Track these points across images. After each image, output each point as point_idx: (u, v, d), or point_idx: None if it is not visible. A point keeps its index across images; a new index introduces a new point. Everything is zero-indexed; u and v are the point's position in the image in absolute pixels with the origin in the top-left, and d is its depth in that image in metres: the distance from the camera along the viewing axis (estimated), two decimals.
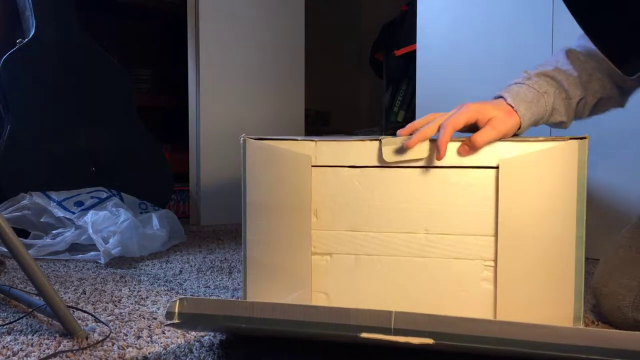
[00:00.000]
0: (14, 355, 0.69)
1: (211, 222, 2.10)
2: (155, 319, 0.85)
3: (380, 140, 0.80)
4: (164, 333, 0.78)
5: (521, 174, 0.77)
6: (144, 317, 0.86)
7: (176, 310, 0.61)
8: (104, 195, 1.64)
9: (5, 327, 0.81)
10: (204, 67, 2.07)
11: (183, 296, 0.75)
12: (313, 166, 0.83)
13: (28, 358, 0.68)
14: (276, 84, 2.28)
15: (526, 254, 0.78)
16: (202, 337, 0.76)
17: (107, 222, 1.42)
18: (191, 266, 1.30)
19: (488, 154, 0.78)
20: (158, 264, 1.33)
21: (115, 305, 0.92)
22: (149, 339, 0.75)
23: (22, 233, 1.48)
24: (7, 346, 0.72)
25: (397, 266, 0.82)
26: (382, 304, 0.81)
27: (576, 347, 0.53)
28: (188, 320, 0.61)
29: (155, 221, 1.51)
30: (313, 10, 2.53)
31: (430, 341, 0.55)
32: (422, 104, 1.80)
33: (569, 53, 0.84)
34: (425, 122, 0.79)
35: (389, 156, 0.79)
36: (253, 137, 0.84)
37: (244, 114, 2.18)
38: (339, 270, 0.83)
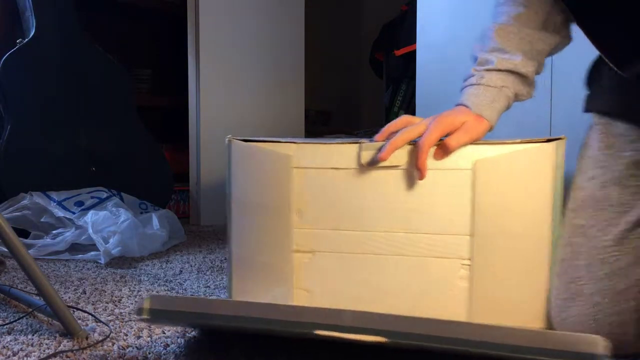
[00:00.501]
0: (14, 355, 0.69)
1: (211, 222, 2.10)
2: None
3: (359, 145, 0.82)
4: (164, 333, 0.78)
5: (497, 175, 0.79)
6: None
7: (146, 307, 0.63)
8: (104, 195, 1.64)
9: (5, 327, 0.81)
10: (204, 67, 2.07)
11: (153, 294, 0.77)
12: (295, 167, 0.85)
13: (28, 358, 0.69)
14: (276, 84, 2.28)
15: (502, 254, 0.79)
16: (200, 338, 0.76)
17: (107, 222, 1.42)
18: (191, 266, 1.30)
19: (465, 156, 0.80)
20: (158, 264, 1.33)
21: (116, 305, 0.92)
22: (149, 338, 0.75)
23: (22, 233, 1.48)
24: (7, 346, 0.72)
25: (378, 264, 0.84)
26: (363, 300, 0.83)
27: (522, 348, 0.54)
28: (157, 317, 0.64)
29: (155, 221, 1.51)
30: (313, 11, 2.53)
31: (383, 339, 0.57)
32: (422, 104, 1.80)
33: (500, 32, 0.82)
34: (401, 126, 0.81)
35: (367, 161, 0.82)
36: (238, 138, 0.86)
37: (244, 114, 2.18)
38: (321, 268, 0.85)
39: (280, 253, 0.86)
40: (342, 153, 0.84)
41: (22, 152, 1.65)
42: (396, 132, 0.81)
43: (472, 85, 0.84)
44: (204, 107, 2.08)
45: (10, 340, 0.75)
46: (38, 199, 1.53)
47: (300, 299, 0.86)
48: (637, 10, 0.66)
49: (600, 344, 0.54)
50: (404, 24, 2.52)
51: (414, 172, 0.80)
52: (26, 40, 1.71)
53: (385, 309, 0.72)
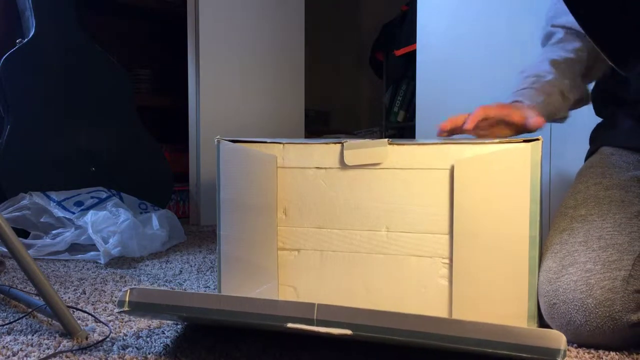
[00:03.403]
0: (13, 355, 0.69)
1: (211, 222, 2.10)
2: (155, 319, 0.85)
3: (342, 144, 0.85)
4: (164, 333, 0.78)
5: (475, 175, 0.80)
6: (144, 317, 0.86)
7: (126, 299, 0.66)
8: (104, 195, 1.64)
9: (5, 327, 0.81)
10: (204, 67, 2.07)
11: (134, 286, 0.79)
12: (281, 167, 0.88)
13: (28, 358, 0.68)
14: (276, 84, 2.28)
15: (480, 253, 0.80)
16: (202, 337, 0.76)
17: (107, 222, 1.42)
18: (191, 266, 1.30)
19: (443, 156, 0.82)
20: (158, 264, 1.33)
21: (115, 306, 0.92)
22: (148, 339, 0.75)
23: (22, 233, 1.48)
24: (7, 346, 0.72)
25: (360, 262, 0.86)
26: (347, 297, 0.86)
27: (486, 342, 0.57)
28: (137, 309, 0.66)
29: (155, 221, 1.51)
30: (313, 11, 2.53)
31: (348, 332, 0.60)
32: (422, 104, 1.80)
33: (554, 62, 0.94)
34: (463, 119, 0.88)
35: (350, 159, 0.84)
36: (226, 138, 0.88)
37: (244, 114, 2.18)
38: (306, 265, 0.88)
39: (266, 251, 0.89)
40: (325, 153, 0.86)
41: (22, 152, 1.65)
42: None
43: (525, 88, 0.92)
44: (204, 107, 2.08)
45: (10, 341, 0.75)
46: (38, 199, 1.53)
47: (285, 295, 0.89)
48: (637, 10, 0.66)
49: (562, 339, 0.56)
50: (404, 24, 2.52)
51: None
52: (26, 40, 1.71)
53: (368, 306, 0.76)
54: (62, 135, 1.74)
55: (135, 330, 0.79)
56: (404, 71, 2.64)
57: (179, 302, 0.65)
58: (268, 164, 0.88)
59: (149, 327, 0.81)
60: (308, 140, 0.90)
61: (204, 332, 0.77)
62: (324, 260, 0.88)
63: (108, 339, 0.75)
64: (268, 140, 0.88)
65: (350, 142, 0.85)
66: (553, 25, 0.99)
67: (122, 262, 1.35)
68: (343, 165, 0.85)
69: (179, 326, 0.80)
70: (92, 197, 1.61)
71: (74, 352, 0.70)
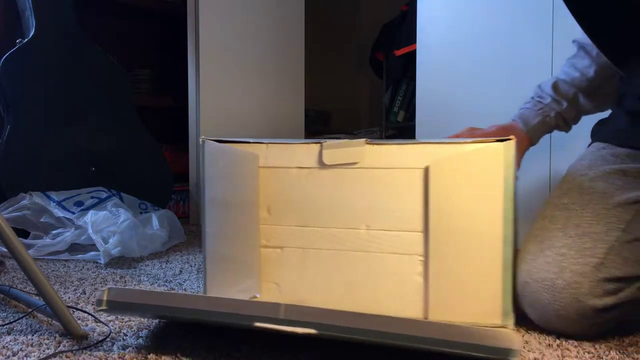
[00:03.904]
0: (13, 355, 0.69)
1: None
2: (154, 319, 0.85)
3: (321, 144, 0.87)
4: (164, 333, 0.78)
5: (450, 174, 0.82)
6: (143, 317, 0.86)
7: (104, 298, 0.69)
8: (104, 195, 1.64)
9: (5, 327, 0.81)
10: (204, 67, 2.07)
11: (111, 286, 0.82)
12: (264, 167, 0.91)
13: (28, 358, 0.68)
14: (276, 84, 2.28)
15: (455, 251, 0.82)
16: (202, 338, 0.76)
17: (107, 222, 1.42)
18: (191, 266, 1.30)
19: (419, 156, 0.84)
20: (158, 264, 1.33)
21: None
22: (148, 339, 0.75)
23: (22, 233, 1.48)
24: (7, 346, 0.72)
25: (341, 259, 0.88)
26: (328, 293, 0.89)
27: (440, 341, 0.59)
28: (114, 307, 0.69)
29: (155, 221, 1.51)
30: (313, 10, 2.53)
31: (313, 331, 0.62)
32: (422, 104, 1.80)
33: (558, 83, 1.03)
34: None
35: (328, 159, 0.87)
36: (211, 138, 0.90)
37: (244, 114, 2.18)
38: (288, 263, 0.91)
39: (250, 248, 0.91)
40: (305, 152, 0.89)
41: (22, 152, 1.65)
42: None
43: (526, 108, 1.03)
44: (204, 107, 2.08)
45: (10, 341, 0.75)
46: (38, 199, 1.53)
47: (268, 291, 0.92)
48: (637, 10, 0.66)
49: (515, 339, 0.58)
50: (404, 24, 2.52)
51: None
52: (26, 40, 1.71)
53: (349, 302, 0.87)
54: (62, 135, 1.74)
55: (135, 330, 0.79)
56: (404, 71, 2.64)
57: (155, 302, 0.68)
58: (250, 163, 0.91)
59: (148, 327, 0.81)
60: (289, 140, 0.92)
61: (203, 332, 0.77)
62: (306, 258, 0.90)
63: (108, 339, 0.75)
64: (251, 140, 0.91)
65: (328, 142, 0.87)
66: (573, 40, 1.05)
67: (122, 262, 1.35)
68: (323, 164, 0.88)
69: (178, 327, 0.80)
70: (92, 197, 1.61)
71: (74, 352, 0.70)
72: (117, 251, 1.36)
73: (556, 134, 1.09)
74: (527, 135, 1.00)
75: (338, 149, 0.87)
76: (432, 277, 0.83)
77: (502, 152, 0.80)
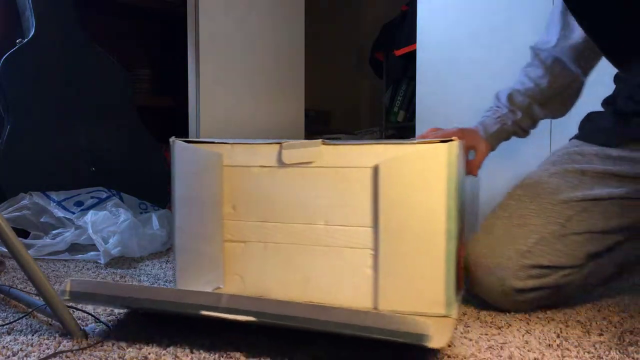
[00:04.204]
0: (13, 355, 0.69)
1: None
2: (154, 318, 0.85)
3: (281, 145, 0.93)
4: (163, 333, 0.78)
5: (397, 173, 0.87)
6: (143, 317, 0.86)
7: (67, 289, 0.74)
8: (104, 195, 1.64)
9: (5, 327, 0.81)
10: (204, 67, 2.06)
11: (74, 278, 0.88)
12: (229, 165, 0.96)
13: (28, 358, 0.68)
14: (276, 84, 2.28)
15: (402, 245, 0.87)
16: (202, 337, 0.76)
17: (107, 222, 1.42)
18: None
19: (370, 155, 0.89)
20: (158, 264, 1.33)
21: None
22: (148, 338, 0.75)
23: (22, 233, 1.48)
24: (7, 346, 0.72)
25: (300, 253, 0.94)
26: (286, 286, 0.95)
27: (364, 327, 0.64)
28: (77, 298, 0.75)
29: (155, 221, 1.51)
30: (313, 11, 2.52)
31: (253, 319, 0.68)
32: (422, 104, 1.80)
33: (512, 95, 1.10)
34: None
35: (287, 158, 0.92)
36: (180, 139, 0.95)
37: (243, 114, 2.18)
38: (251, 256, 0.96)
39: (215, 243, 0.96)
40: (267, 152, 0.94)
41: (22, 152, 1.65)
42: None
43: (487, 117, 1.11)
44: (204, 107, 2.08)
45: (10, 341, 0.75)
46: (38, 199, 1.53)
47: (232, 283, 0.97)
48: (637, 10, 0.66)
49: (429, 325, 0.63)
50: (404, 24, 2.52)
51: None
52: (26, 40, 1.71)
53: (308, 293, 0.93)
54: (62, 135, 1.74)
55: (135, 330, 0.79)
56: (404, 71, 2.64)
57: (113, 293, 0.74)
58: (216, 163, 0.96)
59: (148, 326, 0.81)
60: (252, 140, 0.97)
61: (203, 332, 0.77)
62: (267, 252, 0.95)
63: (108, 339, 0.75)
64: (216, 141, 0.96)
65: (287, 142, 0.93)
66: (530, 47, 1.13)
67: (122, 262, 1.35)
68: (283, 164, 0.93)
69: (178, 326, 0.80)
70: (92, 197, 1.61)
71: (73, 352, 0.70)
72: (117, 251, 1.36)
73: (555, 134, 1.11)
74: (487, 141, 1.08)
75: (296, 149, 0.92)
76: (381, 269, 0.89)
77: (446, 152, 0.85)
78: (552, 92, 1.09)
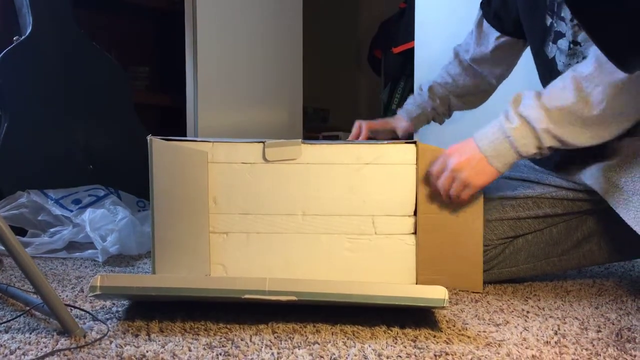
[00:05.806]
0: (11, 353, 0.69)
1: None
2: (153, 317, 0.85)
3: (263, 143, 1.03)
4: (162, 331, 0.78)
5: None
6: (142, 315, 0.86)
7: (97, 284, 0.76)
8: (102, 193, 1.63)
9: (2, 325, 0.81)
10: (202, 65, 2.06)
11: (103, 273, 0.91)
12: (211, 162, 1.04)
13: (25, 356, 0.68)
14: (274, 82, 2.27)
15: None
16: (202, 337, 0.76)
17: (104, 220, 1.42)
18: None
19: (347, 153, 1.03)
20: None
21: (113, 304, 0.92)
22: (147, 337, 0.75)
23: (20, 231, 1.48)
24: (4, 344, 0.72)
25: (280, 241, 1.04)
26: (268, 271, 1.04)
27: (390, 297, 0.75)
28: (107, 292, 0.77)
29: None
30: (311, 8, 2.52)
31: (294, 298, 0.75)
32: None
33: (433, 87, 1.36)
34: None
35: (270, 155, 1.03)
36: (158, 137, 0.99)
37: (242, 111, 2.18)
38: (233, 246, 1.05)
39: (199, 235, 1.03)
40: (249, 150, 1.04)
41: (19, 150, 1.65)
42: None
43: (409, 104, 1.39)
44: (202, 105, 2.08)
45: (8, 339, 0.74)
46: (35, 197, 1.53)
47: (215, 272, 1.05)
48: (637, 9, 0.66)
49: (444, 292, 0.75)
50: (402, 22, 2.52)
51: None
52: (23, 37, 1.70)
53: (288, 276, 1.03)
54: (60, 133, 1.73)
55: (134, 328, 0.79)
56: (402, 69, 2.64)
57: (147, 284, 0.77)
58: (200, 160, 1.03)
59: (147, 325, 0.80)
60: (234, 139, 1.05)
61: (201, 330, 0.77)
62: (250, 241, 1.05)
63: (106, 337, 0.75)
64: (198, 139, 1.06)
65: (270, 141, 1.03)
66: (453, 48, 1.34)
67: (120, 260, 1.34)
68: (265, 160, 1.03)
69: (178, 325, 0.80)
70: (90, 195, 1.61)
71: (71, 350, 0.70)
72: (115, 249, 1.36)
73: None
74: (411, 123, 1.36)
75: (278, 148, 1.03)
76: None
77: (413, 150, 1.03)
78: (466, 89, 1.33)
